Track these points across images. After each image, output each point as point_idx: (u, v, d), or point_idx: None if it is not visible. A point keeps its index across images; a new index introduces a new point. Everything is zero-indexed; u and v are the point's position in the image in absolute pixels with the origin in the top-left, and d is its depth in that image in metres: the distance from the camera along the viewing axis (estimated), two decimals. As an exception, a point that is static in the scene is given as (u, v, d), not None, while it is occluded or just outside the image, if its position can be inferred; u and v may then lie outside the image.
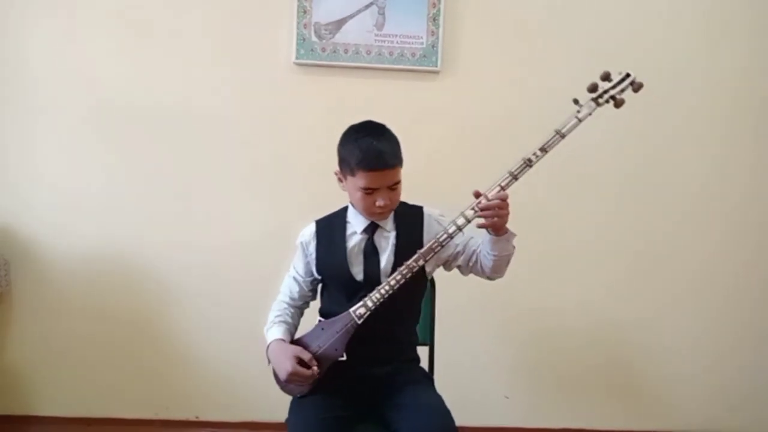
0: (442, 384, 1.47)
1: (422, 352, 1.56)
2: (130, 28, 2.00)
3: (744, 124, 2.09)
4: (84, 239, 2.05)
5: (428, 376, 1.51)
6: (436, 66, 2.00)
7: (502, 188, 1.26)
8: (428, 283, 1.54)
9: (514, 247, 1.34)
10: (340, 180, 1.38)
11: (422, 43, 1.99)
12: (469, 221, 1.27)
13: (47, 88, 2.00)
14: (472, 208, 1.26)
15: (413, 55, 2.00)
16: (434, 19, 1.98)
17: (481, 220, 1.25)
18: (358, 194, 1.32)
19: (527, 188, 2.03)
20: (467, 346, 2.10)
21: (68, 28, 1.99)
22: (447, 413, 1.30)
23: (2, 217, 2.03)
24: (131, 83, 2.01)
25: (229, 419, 2.10)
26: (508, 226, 1.29)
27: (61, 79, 2.00)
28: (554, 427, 2.15)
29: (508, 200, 1.25)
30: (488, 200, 1.24)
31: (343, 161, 1.34)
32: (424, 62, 2.00)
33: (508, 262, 1.36)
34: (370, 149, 1.27)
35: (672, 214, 2.11)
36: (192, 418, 2.11)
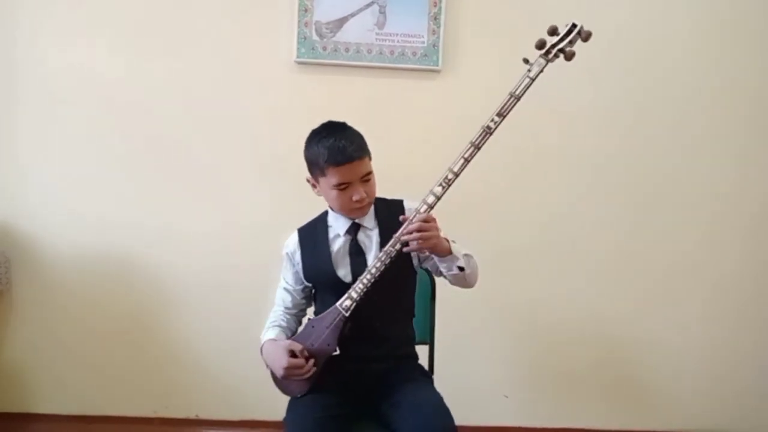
0: (441, 382, 1.47)
1: (422, 350, 1.56)
2: (132, 27, 2.00)
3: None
4: (84, 238, 2.05)
5: (426, 374, 1.51)
6: (437, 65, 1.99)
7: (466, 160, 1.25)
8: (425, 278, 1.54)
9: (460, 269, 1.32)
10: (313, 186, 1.38)
11: (423, 42, 1.99)
12: (438, 198, 1.26)
13: (49, 87, 2.00)
14: (440, 185, 1.25)
15: (414, 54, 2.00)
16: (435, 18, 1.98)
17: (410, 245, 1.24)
18: (333, 193, 1.32)
19: (530, 190, 2.06)
20: (467, 345, 2.09)
21: (69, 27, 1.99)
22: (446, 412, 1.29)
23: (3, 214, 2.03)
24: (133, 82, 2.01)
25: (228, 418, 2.10)
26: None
27: (63, 78, 2.00)
28: (553, 426, 2.15)
29: (434, 223, 1.24)
30: (412, 223, 1.23)
31: (311, 164, 1.34)
32: (425, 61, 2.00)
33: (465, 279, 1.35)
34: (334, 145, 1.28)
35: (671, 211, 2.10)
36: (191, 416, 2.11)
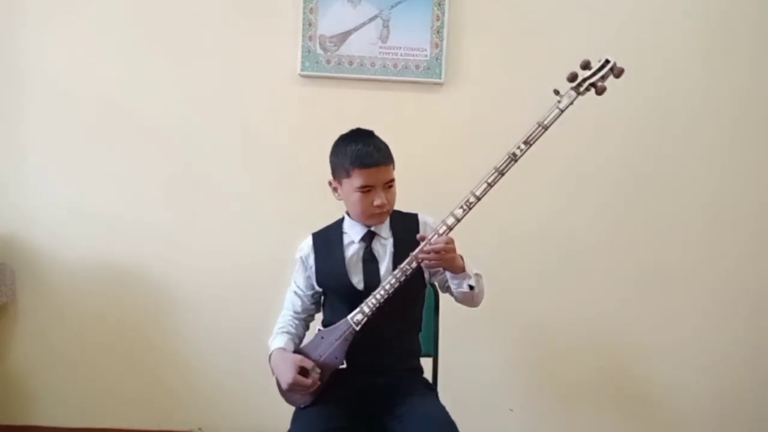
0: (445, 395, 1.46)
1: (426, 363, 1.56)
2: (138, 39, 2.02)
3: (754, 129, 2.09)
4: (90, 249, 2.05)
5: (431, 387, 1.51)
6: (440, 78, 2.01)
7: (489, 185, 1.27)
8: (428, 291, 1.55)
9: (470, 287, 1.34)
10: (335, 189, 1.40)
11: (426, 56, 2.01)
12: (459, 220, 1.28)
13: (53, 98, 2.02)
14: (461, 207, 1.27)
15: (417, 67, 2.01)
16: (438, 31, 2.00)
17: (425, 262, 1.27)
18: (356, 196, 1.34)
19: (534, 203, 2.07)
20: (471, 358, 2.09)
21: (74, 38, 2.01)
22: (452, 425, 1.29)
23: (8, 226, 2.04)
24: (137, 93, 2.03)
25: (231, 430, 2.09)
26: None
27: (67, 89, 2.02)
28: (559, 440, 2.13)
29: (453, 245, 1.27)
30: (431, 244, 1.26)
31: (337, 166, 1.37)
32: (427, 74, 2.01)
33: (472, 298, 1.38)
34: (362, 149, 1.32)
35: (678, 226, 2.10)
36: (194, 429, 2.10)
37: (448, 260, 1.28)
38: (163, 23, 2.02)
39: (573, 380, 2.13)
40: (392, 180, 1.36)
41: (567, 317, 2.10)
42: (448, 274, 1.35)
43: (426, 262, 1.27)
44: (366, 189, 1.32)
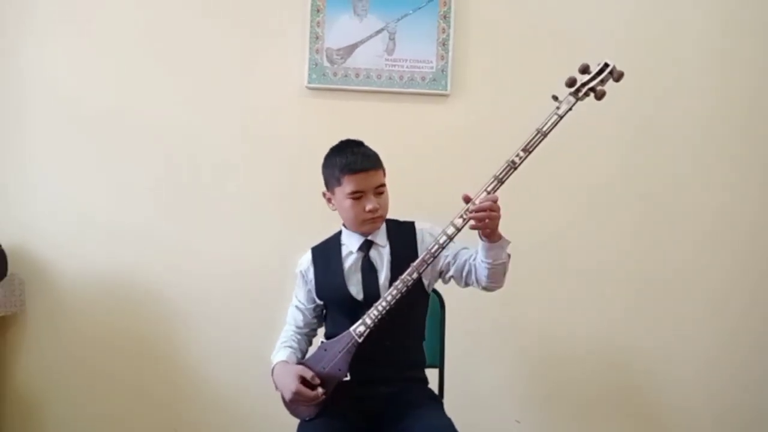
0: (451, 406, 1.45)
1: (432, 374, 1.55)
2: (143, 49, 2.03)
3: (759, 145, 2.10)
4: (97, 257, 2.05)
5: (436, 398, 1.50)
6: (446, 89, 2.02)
7: (488, 193, 1.25)
8: (433, 301, 1.54)
9: (508, 256, 1.31)
10: (329, 200, 1.43)
11: (432, 68, 2.02)
12: (459, 230, 1.26)
13: (58, 108, 2.03)
14: (461, 216, 1.25)
15: (423, 79, 2.03)
16: (443, 43, 2.02)
17: (472, 223, 1.23)
18: (347, 203, 1.35)
19: (542, 215, 2.07)
20: (477, 369, 2.07)
21: (78, 49, 2.03)
22: (457, 437, 1.28)
23: (17, 236, 2.05)
24: (142, 103, 2.04)
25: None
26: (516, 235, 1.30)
27: (74, 100, 2.03)
28: (567, 452, 2.11)
29: (498, 203, 1.23)
30: (476, 204, 1.22)
31: (328, 176, 1.40)
32: (433, 86, 2.03)
33: (504, 272, 1.33)
34: (351, 157, 1.35)
35: (688, 241, 2.09)
36: (201, 439, 2.10)
37: (494, 219, 1.22)
38: (169, 33, 2.04)
39: (580, 393, 2.11)
40: (382, 185, 1.38)
41: (574, 326, 2.09)
42: (482, 248, 1.28)
43: (472, 223, 1.21)
44: (357, 195, 1.34)
